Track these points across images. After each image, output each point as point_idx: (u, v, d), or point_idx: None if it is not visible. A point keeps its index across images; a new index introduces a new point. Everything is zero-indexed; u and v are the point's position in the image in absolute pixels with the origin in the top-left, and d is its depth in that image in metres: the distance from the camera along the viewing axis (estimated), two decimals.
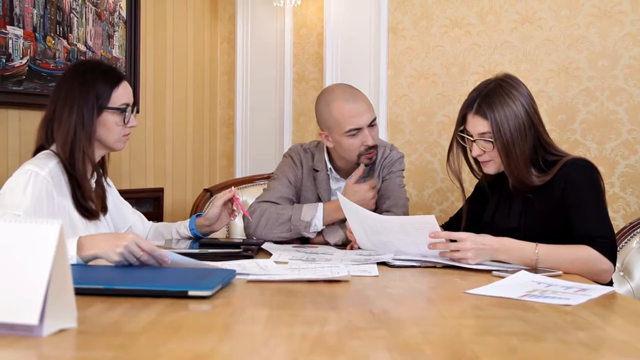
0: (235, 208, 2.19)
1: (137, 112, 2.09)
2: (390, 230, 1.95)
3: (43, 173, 1.85)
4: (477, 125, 1.97)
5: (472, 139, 1.99)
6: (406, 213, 2.37)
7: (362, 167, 2.35)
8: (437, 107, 3.40)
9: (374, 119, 2.33)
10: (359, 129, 2.29)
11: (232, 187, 2.25)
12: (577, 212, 1.88)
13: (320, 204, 2.30)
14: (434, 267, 1.82)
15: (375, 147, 2.34)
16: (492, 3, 3.26)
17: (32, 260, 1.01)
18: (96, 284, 1.33)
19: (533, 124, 1.97)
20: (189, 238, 2.19)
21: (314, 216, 2.26)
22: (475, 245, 1.79)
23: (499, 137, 1.93)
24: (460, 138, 2.05)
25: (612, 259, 1.82)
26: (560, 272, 1.74)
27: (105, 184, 2.11)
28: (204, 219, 2.19)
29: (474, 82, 3.27)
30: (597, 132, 3.03)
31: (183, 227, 2.21)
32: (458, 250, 1.80)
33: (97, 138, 1.98)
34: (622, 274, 2.28)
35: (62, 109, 1.93)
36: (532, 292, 1.43)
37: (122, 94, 2.00)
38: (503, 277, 1.61)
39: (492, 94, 1.97)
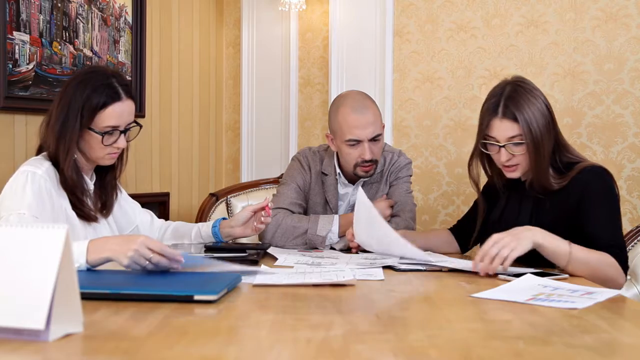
0: (263, 215, 2.15)
1: (140, 126, 2.01)
2: (397, 247, 1.94)
3: (40, 172, 1.84)
4: (507, 129, 1.91)
5: (499, 144, 1.93)
6: (413, 219, 2.37)
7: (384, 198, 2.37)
8: (442, 110, 3.40)
9: (378, 135, 2.30)
10: (358, 141, 2.28)
11: (267, 197, 2.23)
12: (592, 221, 1.86)
13: (336, 217, 2.29)
14: (440, 270, 1.82)
15: (373, 161, 2.32)
16: (498, 7, 3.25)
17: (39, 264, 1.01)
18: (102, 288, 1.33)
19: (553, 120, 1.95)
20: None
21: (330, 230, 2.26)
22: (508, 235, 1.70)
23: (529, 137, 1.89)
24: (483, 146, 1.99)
25: (624, 269, 1.82)
26: (566, 276, 1.73)
27: (116, 184, 2.09)
28: (230, 220, 2.17)
29: (479, 86, 3.28)
30: (603, 136, 3.02)
31: (206, 227, 2.19)
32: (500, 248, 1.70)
33: (81, 151, 1.93)
34: (628, 277, 2.26)
35: (54, 117, 1.90)
36: (538, 295, 1.43)
37: (109, 116, 1.88)
38: (509, 281, 1.61)
39: (515, 95, 1.92)
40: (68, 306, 1.04)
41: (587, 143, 3.04)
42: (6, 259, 1.04)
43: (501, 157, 1.94)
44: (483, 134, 1.97)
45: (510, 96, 1.92)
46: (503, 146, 1.93)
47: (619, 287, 1.79)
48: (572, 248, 1.75)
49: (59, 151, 1.88)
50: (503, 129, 1.92)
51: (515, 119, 1.90)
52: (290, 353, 1.01)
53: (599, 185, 1.90)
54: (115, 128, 1.90)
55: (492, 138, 1.95)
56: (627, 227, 2.90)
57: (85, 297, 1.13)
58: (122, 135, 1.93)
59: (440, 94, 3.40)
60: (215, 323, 1.19)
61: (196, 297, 1.31)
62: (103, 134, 1.88)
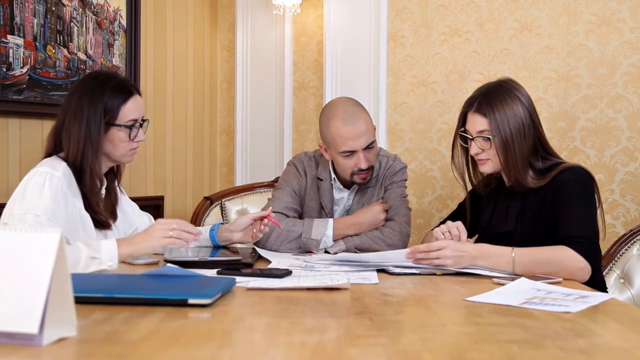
0: (266, 223, 2.14)
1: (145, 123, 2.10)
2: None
3: (58, 174, 1.89)
4: (476, 123, 2.03)
5: (470, 137, 2.04)
6: (408, 223, 2.37)
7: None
8: (436, 114, 3.40)
9: (372, 142, 2.30)
10: (353, 152, 2.28)
11: (270, 208, 2.23)
12: (562, 213, 1.92)
13: (331, 221, 2.29)
14: (434, 274, 1.82)
15: (369, 168, 2.33)
16: (492, 11, 3.27)
17: (32, 268, 1.01)
18: (96, 292, 1.33)
19: (534, 123, 2.02)
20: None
21: (324, 234, 2.26)
22: (454, 252, 1.82)
23: (497, 134, 1.98)
24: (461, 138, 2.10)
25: (589, 259, 1.82)
26: (560, 279, 1.74)
27: (117, 189, 2.13)
28: (229, 225, 2.18)
29: (473, 90, 3.27)
30: (596, 140, 3.03)
31: (203, 231, 2.19)
32: (438, 257, 1.84)
33: (104, 152, 1.99)
34: (622, 281, 2.28)
35: (71, 122, 1.95)
36: (532, 299, 1.43)
37: (130, 110, 1.99)
38: (503, 285, 1.61)
39: (492, 93, 2.03)
40: (62, 310, 1.04)
41: (580, 147, 3.05)
42: (0, 263, 1.04)
43: (471, 150, 2.06)
44: (460, 126, 2.11)
45: (487, 93, 2.04)
46: (473, 139, 2.04)
47: (579, 278, 1.80)
48: (515, 258, 1.81)
49: (86, 152, 1.94)
50: (474, 122, 2.04)
51: (485, 115, 2.01)
52: (285, 357, 1.01)
53: (572, 180, 1.95)
54: (135, 121, 2.01)
55: (467, 130, 2.07)
56: (620, 230, 2.91)
57: (79, 301, 1.13)
58: (141, 128, 2.05)
59: (434, 98, 3.41)
60: (209, 327, 1.19)
61: (190, 301, 1.31)
62: (130, 127, 1.99)
